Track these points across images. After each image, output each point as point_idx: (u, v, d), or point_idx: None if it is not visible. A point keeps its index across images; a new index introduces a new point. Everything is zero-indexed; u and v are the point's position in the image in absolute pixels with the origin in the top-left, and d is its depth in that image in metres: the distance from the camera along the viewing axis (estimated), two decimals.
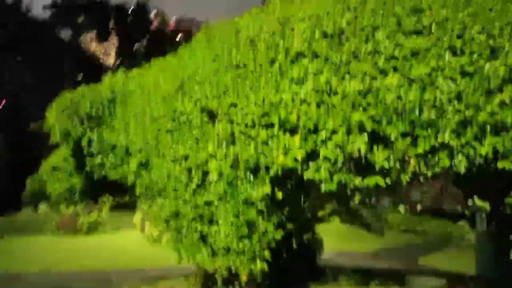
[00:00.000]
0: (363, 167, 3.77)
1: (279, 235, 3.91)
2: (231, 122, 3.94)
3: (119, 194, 6.34)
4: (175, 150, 4.12)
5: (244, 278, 3.78)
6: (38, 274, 8.48)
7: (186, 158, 4.03)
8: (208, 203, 3.88)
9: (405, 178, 3.69)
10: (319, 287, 4.80)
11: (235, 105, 3.96)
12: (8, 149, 23.66)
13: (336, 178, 3.75)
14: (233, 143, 3.91)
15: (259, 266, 3.79)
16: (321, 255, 5.76)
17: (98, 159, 5.04)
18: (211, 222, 3.89)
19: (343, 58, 3.68)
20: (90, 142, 5.05)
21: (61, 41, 40.38)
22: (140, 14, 40.76)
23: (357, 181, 3.76)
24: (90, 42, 45.95)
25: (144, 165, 4.56)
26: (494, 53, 3.28)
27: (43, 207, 24.16)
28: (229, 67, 4.19)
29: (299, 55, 3.87)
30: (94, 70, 41.33)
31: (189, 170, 3.98)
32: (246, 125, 3.87)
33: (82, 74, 38.96)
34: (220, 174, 3.85)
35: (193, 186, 3.94)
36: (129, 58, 40.85)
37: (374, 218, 14.59)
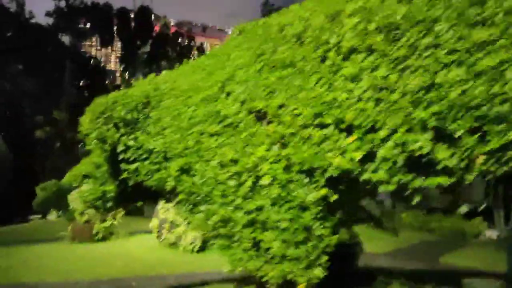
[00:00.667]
0: (423, 166, 3.58)
1: (334, 240, 3.73)
2: (282, 123, 3.75)
3: (152, 200, 6.15)
4: (221, 154, 3.94)
5: (302, 286, 3.59)
6: (56, 284, 8.34)
7: (235, 162, 3.84)
8: (261, 208, 3.70)
9: (469, 177, 3.50)
10: None
11: (284, 106, 3.77)
12: (11, 155, 23.51)
13: (395, 179, 3.56)
14: (285, 145, 3.71)
15: (317, 273, 3.60)
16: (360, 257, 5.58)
17: (134, 165, 4.86)
18: (264, 228, 3.70)
19: (400, 52, 3.48)
20: (126, 148, 4.87)
21: (64, 46, 40.38)
22: (143, 18, 40.73)
23: (418, 181, 3.56)
24: (93, 47, 45.97)
25: (186, 170, 4.37)
26: None
27: (53, 215, 24.03)
28: (274, 66, 4.00)
29: (352, 51, 3.70)
30: (97, 76, 41.36)
31: (239, 175, 3.79)
32: (298, 126, 3.67)
33: (84, 79, 38.94)
34: (273, 178, 3.66)
35: (244, 191, 3.75)
36: (133, 63, 40.89)
37: (386, 217, 14.34)
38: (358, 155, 3.54)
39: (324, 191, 3.67)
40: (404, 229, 19.29)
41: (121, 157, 4.96)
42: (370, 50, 3.66)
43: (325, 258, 3.68)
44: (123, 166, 4.98)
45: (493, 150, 3.27)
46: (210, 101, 4.38)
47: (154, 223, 14.13)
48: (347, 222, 5.74)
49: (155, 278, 9.75)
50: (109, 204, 5.65)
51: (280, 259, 3.65)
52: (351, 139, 3.61)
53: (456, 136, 3.37)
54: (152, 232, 14.40)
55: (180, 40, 44.31)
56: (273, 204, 3.70)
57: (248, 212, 3.74)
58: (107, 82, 42.42)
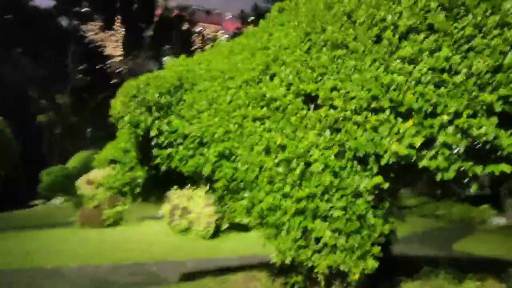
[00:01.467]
0: (485, 153, 3.39)
1: (387, 229, 3.56)
2: (334, 107, 3.55)
3: (184, 186, 5.98)
4: (268, 139, 3.75)
5: (356, 277, 3.44)
6: (78, 268, 8.26)
7: (282, 148, 3.65)
8: (312, 196, 3.52)
9: None
10: (415, 282, 4.45)
11: (337, 89, 3.56)
12: (16, 141, 23.37)
13: (455, 166, 3.37)
14: (338, 130, 3.52)
15: (370, 263, 3.45)
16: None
17: (168, 150, 4.67)
18: (315, 217, 3.53)
19: (466, 32, 3.26)
20: (159, 132, 4.67)
21: (65, 30, 39.82)
22: (145, 2, 40.07)
23: (479, 169, 3.38)
24: (95, 31, 45.38)
25: (225, 156, 4.19)
26: None
27: (58, 200, 23.96)
28: (324, 47, 3.78)
29: (411, 30, 3.47)
30: (98, 60, 40.89)
31: (288, 161, 3.61)
32: (352, 111, 3.47)
33: (85, 63, 38.50)
34: (325, 165, 3.47)
35: (294, 178, 3.57)
36: (137, 46, 40.36)
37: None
38: (418, 141, 3.35)
39: (378, 179, 3.51)
40: (410, 215, 19.29)
41: (154, 142, 4.75)
42: (431, 30, 3.45)
43: (378, 248, 3.54)
44: (155, 151, 4.79)
45: None
46: (253, 84, 4.17)
47: (166, 208, 14.05)
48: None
49: (173, 263, 9.69)
50: (137, 191, 5.47)
51: (332, 249, 3.51)
52: (409, 123, 3.41)
53: None
54: (164, 217, 14.32)
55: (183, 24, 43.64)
56: (324, 192, 3.52)
57: (298, 200, 3.57)
58: (107, 66, 41.98)
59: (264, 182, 3.80)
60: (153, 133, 4.70)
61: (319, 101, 3.70)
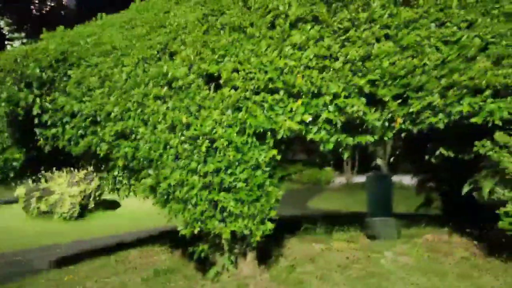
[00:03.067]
0: (355, 126, 4.14)
1: (280, 194, 4.10)
2: (235, 88, 3.87)
3: (69, 166, 5.59)
4: (172, 118, 3.89)
5: (258, 238, 3.91)
6: None
7: (187, 126, 3.84)
8: (217, 171, 3.83)
9: (390, 134, 4.19)
10: (298, 237, 5.18)
11: (237, 71, 3.88)
12: None
13: (333, 138, 4.06)
14: (239, 109, 3.86)
15: (269, 226, 3.96)
16: None
17: (52, 130, 4.38)
18: (220, 189, 3.86)
19: (343, 24, 3.88)
20: (42, 111, 4.32)
21: None
22: None
23: (350, 140, 4.12)
24: None
25: (123, 135, 4.16)
26: (470, 25, 3.88)
27: None
28: (222, 29, 4.02)
29: (299, 20, 3.97)
30: None
31: (194, 139, 3.83)
32: (251, 91, 3.85)
33: None
34: (228, 141, 3.80)
35: (200, 154, 3.82)
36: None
37: None
38: (307, 118, 3.91)
39: (274, 151, 3.97)
40: None
41: (36, 121, 4.38)
42: (316, 21, 3.98)
43: (274, 212, 4.05)
44: (39, 131, 4.43)
45: (413, 112, 3.96)
46: (151, 62, 4.20)
47: (20, 191, 12.65)
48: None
49: (40, 250, 9.00)
50: (11, 174, 4.96)
51: (236, 217, 3.87)
52: (299, 103, 3.93)
53: (386, 100, 3.97)
54: (18, 201, 12.89)
55: None
56: (228, 167, 3.86)
57: (205, 175, 3.83)
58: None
59: (169, 159, 3.95)
60: (35, 111, 4.33)
61: (221, 82, 3.95)
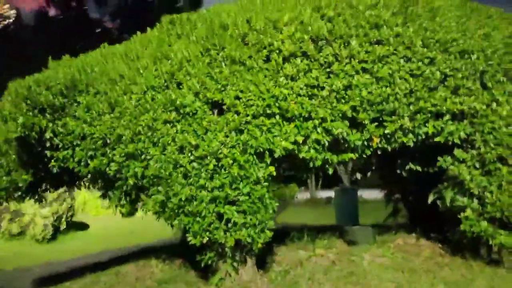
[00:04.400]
0: (339, 146, 4.79)
1: (276, 205, 4.65)
2: (237, 113, 4.41)
3: (73, 185, 5.85)
4: (181, 140, 4.37)
5: (260, 245, 4.43)
6: None
7: (196, 147, 4.33)
8: (222, 186, 4.32)
9: (368, 152, 4.88)
10: (289, 245, 5.71)
11: (239, 98, 4.43)
12: None
13: (321, 156, 4.68)
14: (241, 131, 4.40)
15: (268, 234, 4.49)
16: None
17: (64, 152, 4.72)
18: (225, 203, 4.35)
19: (329, 59, 4.56)
20: (54, 134, 4.66)
21: None
22: None
23: (335, 157, 4.76)
24: None
25: (133, 156, 4.58)
26: (431, 61, 4.67)
27: None
28: (223, 62, 4.58)
29: (291, 55, 4.61)
30: None
31: (202, 158, 4.32)
32: (251, 116, 4.41)
33: None
34: (233, 160, 4.32)
35: (208, 172, 4.30)
36: None
37: None
38: (300, 139, 4.52)
39: (272, 168, 4.53)
40: None
41: (48, 144, 4.70)
42: (305, 56, 4.62)
43: (272, 222, 4.58)
44: (49, 153, 4.75)
45: (387, 133, 4.67)
46: (160, 90, 4.65)
47: None
48: None
49: (19, 272, 8.95)
50: (18, 194, 5.20)
51: (239, 227, 4.37)
52: (292, 125, 4.54)
53: (365, 123, 4.65)
54: None
55: None
56: (232, 182, 4.37)
57: (212, 190, 4.31)
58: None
59: (179, 177, 4.41)
60: (48, 135, 4.66)
61: (224, 108, 4.49)
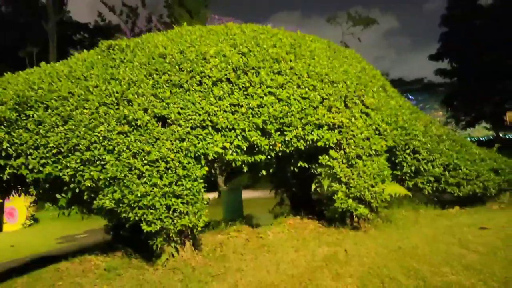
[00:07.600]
0: (253, 149, 6.30)
1: (207, 198, 5.91)
2: (180, 125, 5.57)
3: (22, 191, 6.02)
4: (135, 147, 5.31)
5: (199, 229, 5.61)
6: None
7: (148, 153, 5.34)
8: (170, 184, 5.41)
9: (272, 154, 6.48)
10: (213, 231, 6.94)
11: (180, 114, 5.60)
12: None
13: (241, 158, 6.12)
14: (183, 140, 5.57)
15: (206, 219, 5.72)
16: None
17: (18, 161, 5.17)
18: (173, 196, 5.44)
19: (245, 84, 6.04)
20: (9, 145, 5.08)
21: None
22: None
23: (250, 158, 6.26)
24: None
25: (89, 161, 5.32)
26: (314, 88, 6.53)
27: None
28: (166, 84, 5.68)
29: (218, 80, 5.96)
30: None
31: (154, 161, 5.34)
32: (190, 128, 5.61)
33: None
34: (178, 162, 5.46)
35: (160, 172, 5.34)
36: None
37: None
38: (227, 145, 5.87)
39: (206, 168, 5.78)
40: None
41: (3, 153, 5.09)
42: (228, 81, 6.01)
43: (206, 210, 5.80)
44: (2, 162, 5.13)
45: (287, 139, 6.34)
46: (112, 106, 5.47)
47: None
48: None
49: None
50: None
51: (183, 215, 5.51)
52: (219, 135, 5.87)
53: (271, 132, 6.24)
54: None
55: None
56: (178, 180, 5.48)
57: (163, 186, 5.36)
58: None
59: (134, 177, 5.32)
60: (4, 145, 5.06)
61: (169, 121, 5.57)
